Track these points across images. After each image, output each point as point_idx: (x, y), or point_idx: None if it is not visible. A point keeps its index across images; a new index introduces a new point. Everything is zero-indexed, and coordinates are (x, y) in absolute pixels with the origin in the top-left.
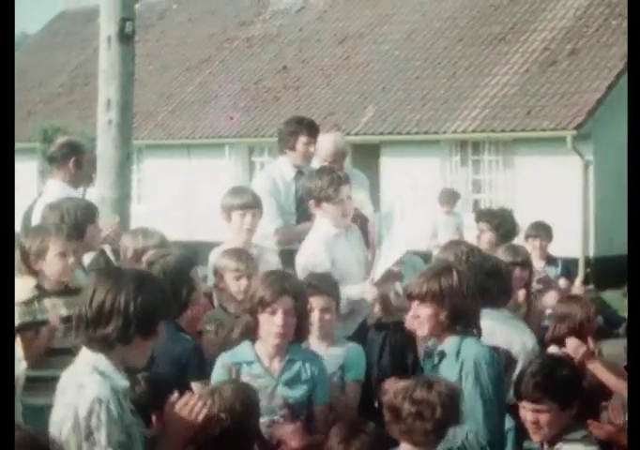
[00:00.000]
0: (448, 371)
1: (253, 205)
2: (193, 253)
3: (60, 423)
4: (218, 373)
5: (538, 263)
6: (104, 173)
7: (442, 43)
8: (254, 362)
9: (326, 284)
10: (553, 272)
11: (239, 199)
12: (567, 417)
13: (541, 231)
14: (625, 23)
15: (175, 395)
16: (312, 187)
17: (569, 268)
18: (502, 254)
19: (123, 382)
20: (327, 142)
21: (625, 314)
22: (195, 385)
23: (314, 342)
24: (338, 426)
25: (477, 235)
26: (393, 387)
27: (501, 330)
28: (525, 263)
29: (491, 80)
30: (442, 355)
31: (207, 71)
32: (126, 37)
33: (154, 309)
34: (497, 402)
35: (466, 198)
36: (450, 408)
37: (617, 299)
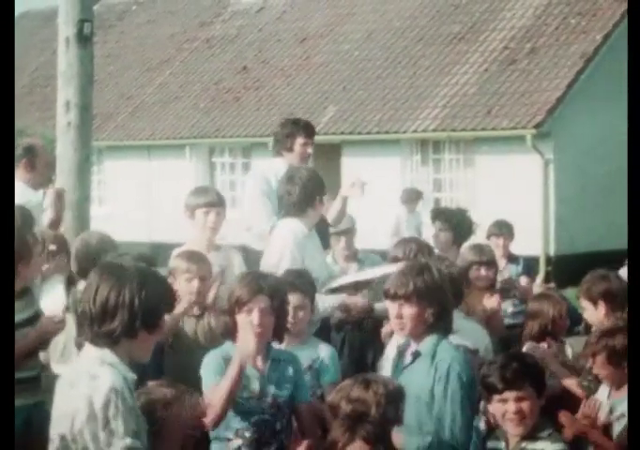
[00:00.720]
0: (420, 372)
1: (217, 204)
2: (154, 254)
3: (71, 415)
4: (217, 366)
5: (500, 262)
6: (64, 175)
7: (402, 43)
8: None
9: (302, 281)
10: (514, 270)
11: (204, 197)
12: (539, 409)
13: (504, 229)
14: (583, 22)
15: (172, 392)
16: (307, 190)
17: (530, 266)
18: (468, 253)
19: (131, 375)
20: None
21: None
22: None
23: (286, 340)
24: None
25: (433, 234)
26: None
27: (463, 330)
28: (491, 263)
29: (451, 79)
30: (417, 355)
31: (167, 72)
32: (84, 39)
33: (158, 303)
34: (468, 407)
35: (427, 197)
36: (387, 407)
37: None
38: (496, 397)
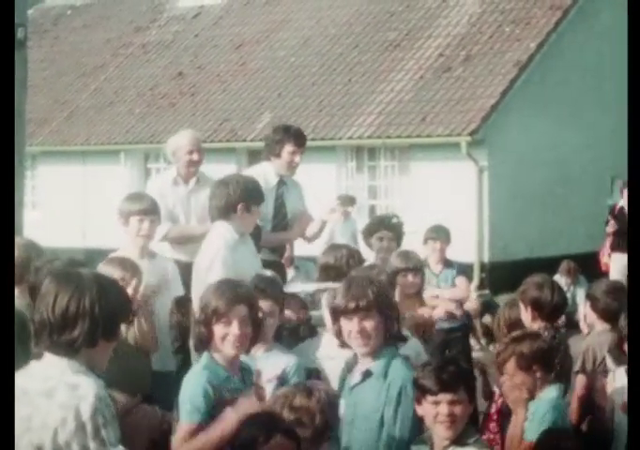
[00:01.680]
0: (371, 393)
1: (152, 212)
2: (88, 260)
3: (53, 426)
4: (204, 396)
5: (436, 267)
6: None
7: (338, 49)
8: (230, 376)
9: (272, 288)
10: (450, 275)
11: (138, 204)
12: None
13: (441, 233)
14: (518, 30)
15: (130, 400)
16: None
17: (465, 272)
18: (394, 260)
19: (100, 382)
20: (185, 137)
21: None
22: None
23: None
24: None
25: (378, 245)
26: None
27: None
28: (417, 269)
29: (386, 86)
30: (367, 375)
31: (103, 77)
32: (18, 43)
33: (116, 311)
34: (417, 430)
35: (363, 204)
36: (330, 415)
37: None
38: (430, 398)
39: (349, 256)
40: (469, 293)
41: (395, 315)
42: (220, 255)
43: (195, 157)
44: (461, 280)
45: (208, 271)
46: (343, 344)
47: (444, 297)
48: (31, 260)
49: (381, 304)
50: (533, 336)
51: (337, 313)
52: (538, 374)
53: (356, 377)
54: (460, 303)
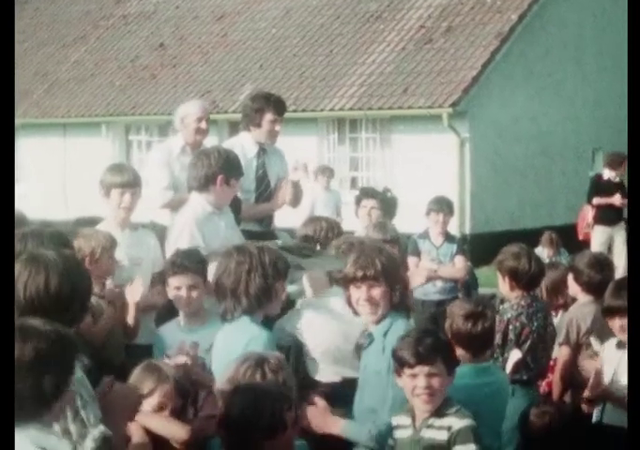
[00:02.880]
0: (373, 356)
1: (134, 184)
2: (71, 231)
3: None
4: None
5: (437, 239)
6: None
7: (319, 21)
8: None
9: (190, 261)
10: (450, 250)
11: (119, 177)
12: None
13: (444, 205)
14: (499, 2)
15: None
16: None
17: (464, 250)
18: (371, 232)
19: (86, 360)
20: (195, 105)
21: (493, 289)
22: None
23: (184, 321)
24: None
25: (367, 212)
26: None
27: None
28: (395, 240)
29: (368, 58)
30: (371, 339)
31: (83, 49)
32: None
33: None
34: None
35: (344, 176)
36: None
37: (492, 275)
38: (408, 371)
39: (328, 228)
40: (466, 273)
41: (401, 285)
42: (188, 227)
43: (203, 125)
44: (459, 259)
45: (175, 244)
46: (354, 312)
47: (442, 273)
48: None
49: (388, 273)
50: (479, 314)
51: (346, 281)
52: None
53: (363, 341)
54: (456, 280)
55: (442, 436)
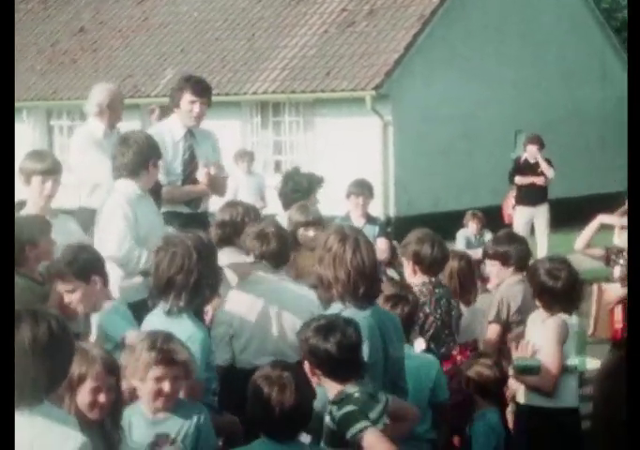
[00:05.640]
0: None
1: (54, 171)
2: None
3: None
4: None
5: (358, 221)
6: None
7: (241, 4)
8: None
9: (66, 265)
10: (372, 231)
11: (40, 164)
12: None
13: (364, 188)
14: None
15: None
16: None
17: (387, 232)
18: (294, 215)
19: None
20: (102, 91)
21: None
22: None
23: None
24: None
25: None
26: None
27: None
28: (318, 222)
29: (290, 41)
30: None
31: None
32: None
33: None
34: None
35: (268, 159)
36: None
37: None
38: None
39: (245, 212)
40: (388, 255)
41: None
42: (121, 209)
43: (119, 108)
44: (381, 241)
45: (107, 227)
46: None
47: None
48: None
49: None
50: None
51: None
52: None
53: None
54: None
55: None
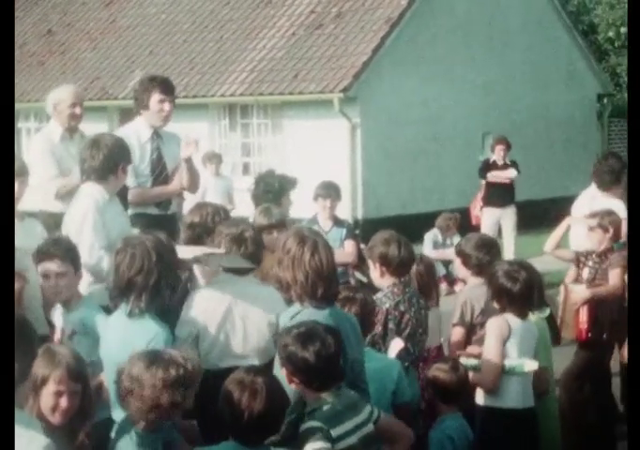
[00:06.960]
0: None
1: (21, 173)
2: None
3: None
4: None
5: (325, 224)
6: None
7: (209, 6)
8: None
9: (58, 248)
10: (339, 234)
11: None
12: None
13: (331, 191)
14: None
15: None
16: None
17: (354, 235)
18: (257, 217)
19: None
20: (67, 91)
21: None
22: None
23: (59, 308)
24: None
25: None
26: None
27: (260, 296)
28: (281, 225)
29: (258, 43)
30: None
31: None
32: None
33: None
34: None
35: (236, 162)
36: (165, 389)
37: None
38: None
39: (214, 213)
40: (356, 258)
41: None
42: (91, 213)
43: (78, 110)
44: (349, 244)
45: (78, 234)
46: None
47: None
48: None
49: None
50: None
51: None
52: None
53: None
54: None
55: None
